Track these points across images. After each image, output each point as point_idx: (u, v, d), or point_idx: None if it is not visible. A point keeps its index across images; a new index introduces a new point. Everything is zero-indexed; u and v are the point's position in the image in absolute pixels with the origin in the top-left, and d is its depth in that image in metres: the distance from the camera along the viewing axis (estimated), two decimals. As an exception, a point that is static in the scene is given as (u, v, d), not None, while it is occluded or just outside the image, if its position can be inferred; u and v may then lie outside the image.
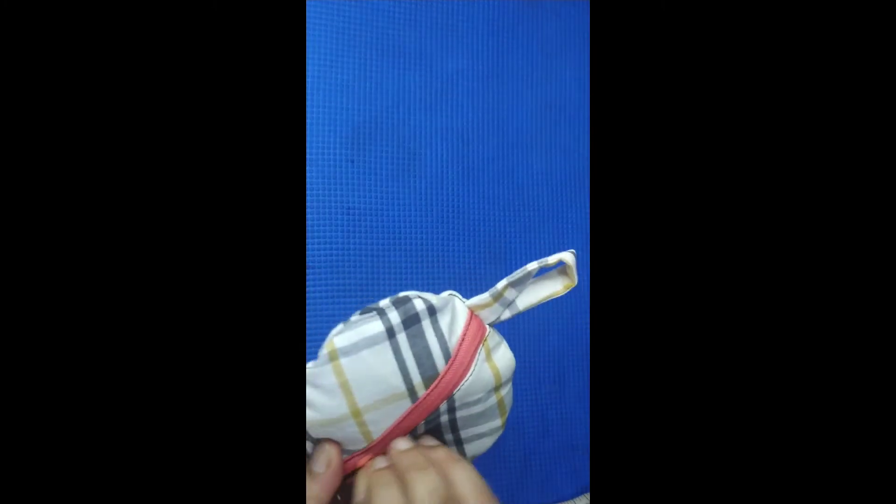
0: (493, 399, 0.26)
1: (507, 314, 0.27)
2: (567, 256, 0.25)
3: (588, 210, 0.52)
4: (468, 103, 0.49)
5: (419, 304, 0.25)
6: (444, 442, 0.27)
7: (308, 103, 0.43)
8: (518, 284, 0.25)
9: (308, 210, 0.43)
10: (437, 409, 0.25)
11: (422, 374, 0.24)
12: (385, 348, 0.24)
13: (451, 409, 0.26)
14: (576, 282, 0.26)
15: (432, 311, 0.25)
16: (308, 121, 0.43)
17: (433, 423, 0.26)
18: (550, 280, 0.27)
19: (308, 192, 0.43)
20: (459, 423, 0.27)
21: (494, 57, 0.50)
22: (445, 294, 0.27)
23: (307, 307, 0.42)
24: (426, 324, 0.25)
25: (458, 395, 0.25)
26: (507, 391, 0.27)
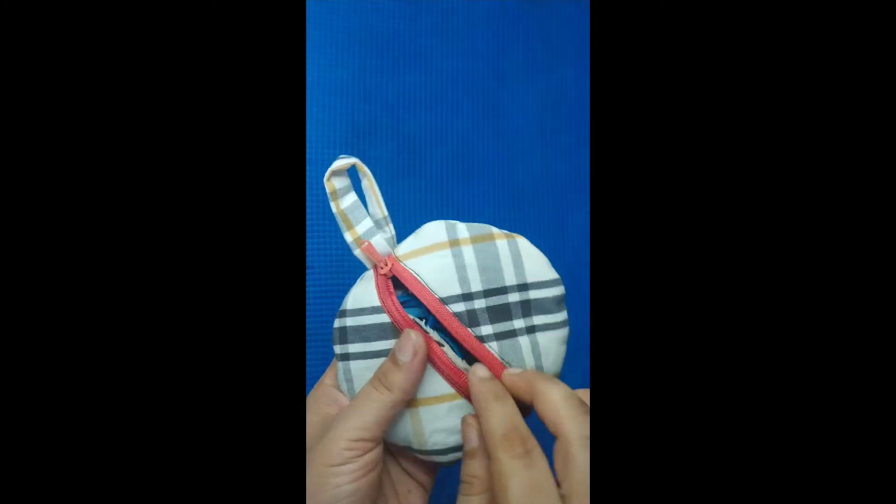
0: (561, 289, 0.26)
1: (387, 231, 0.27)
2: (333, 166, 0.25)
3: (588, 210, 0.52)
4: (468, 103, 0.49)
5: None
6: (512, 332, 0.26)
7: (308, 103, 0.43)
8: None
9: (308, 210, 0.43)
10: (505, 282, 0.25)
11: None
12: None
13: (524, 287, 0.26)
14: (359, 162, 0.26)
15: None
16: (308, 121, 0.43)
17: (499, 300, 0.26)
18: (363, 182, 0.27)
19: (308, 192, 0.43)
20: (533, 306, 0.26)
21: (494, 57, 0.50)
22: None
23: (307, 307, 0.42)
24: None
25: (528, 267, 0.25)
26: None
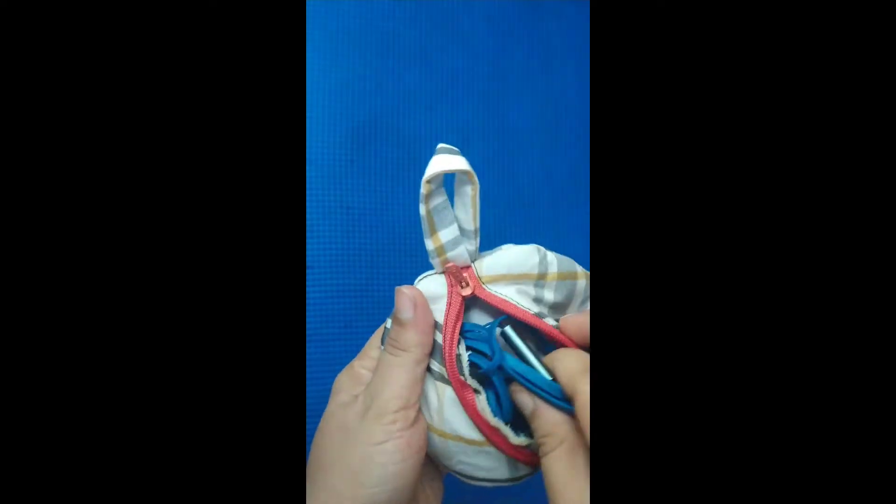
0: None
1: (471, 244, 0.25)
2: (443, 165, 0.23)
3: (588, 210, 0.52)
4: (468, 103, 0.49)
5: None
6: None
7: (308, 103, 0.43)
8: (440, 218, 0.24)
9: (308, 210, 0.43)
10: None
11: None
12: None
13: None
14: (471, 171, 0.24)
15: None
16: (308, 121, 0.43)
17: None
18: (463, 187, 0.25)
19: (308, 192, 0.43)
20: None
21: (494, 56, 0.50)
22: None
23: (307, 307, 0.42)
24: None
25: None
26: None
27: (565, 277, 0.25)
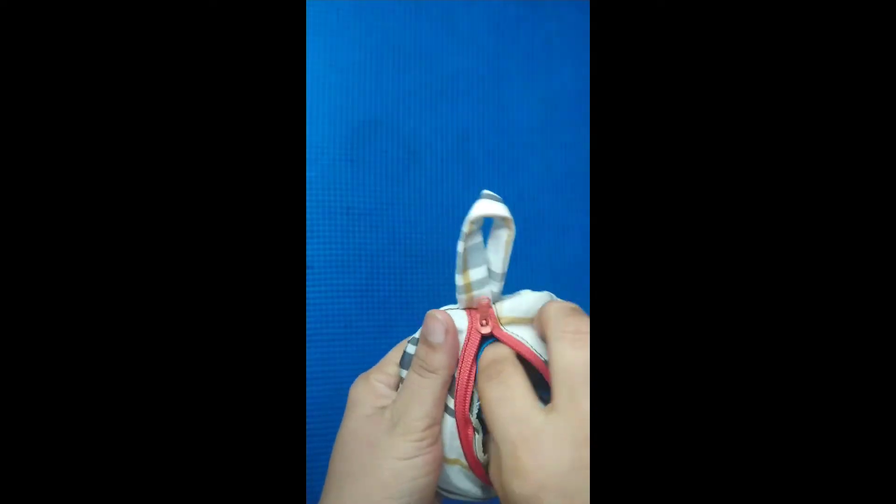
0: None
1: (496, 286, 0.26)
2: (486, 209, 0.24)
3: (588, 209, 0.52)
4: (468, 103, 0.49)
5: None
6: None
7: (308, 103, 0.43)
8: (474, 259, 0.25)
9: (308, 210, 0.43)
10: None
11: None
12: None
13: None
14: (510, 218, 0.25)
15: None
16: (308, 121, 0.43)
17: None
18: (498, 231, 0.26)
19: (308, 192, 0.43)
20: None
21: (494, 56, 0.50)
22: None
23: (307, 307, 0.42)
24: None
25: None
26: None
27: None
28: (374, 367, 0.27)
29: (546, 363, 0.24)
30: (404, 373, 0.26)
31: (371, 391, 0.26)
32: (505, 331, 0.25)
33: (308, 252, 0.42)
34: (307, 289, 0.42)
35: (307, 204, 0.43)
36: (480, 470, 0.25)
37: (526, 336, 0.25)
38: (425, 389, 0.23)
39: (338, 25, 0.45)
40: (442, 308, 0.27)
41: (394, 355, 0.27)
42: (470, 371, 0.25)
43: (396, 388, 0.26)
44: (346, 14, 0.45)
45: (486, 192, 0.25)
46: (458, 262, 0.25)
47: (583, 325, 0.20)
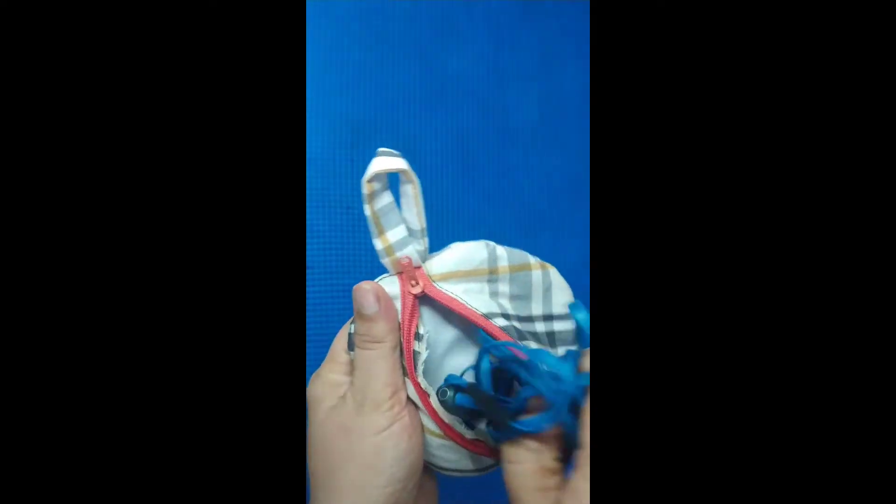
0: None
1: (419, 244, 0.25)
2: (379, 166, 0.23)
3: (588, 210, 0.52)
4: (468, 103, 0.49)
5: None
6: (531, 336, 0.25)
7: (308, 103, 0.43)
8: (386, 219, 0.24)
9: (308, 210, 0.43)
10: (532, 311, 0.25)
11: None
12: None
13: (549, 318, 0.25)
14: (408, 169, 0.24)
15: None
16: (308, 120, 0.43)
17: (526, 328, 0.25)
18: (405, 187, 0.25)
19: (308, 192, 0.43)
20: (557, 337, 0.25)
21: (494, 56, 0.50)
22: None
23: (307, 307, 0.42)
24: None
25: (556, 299, 0.25)
26: None
27: (517, 269, 0.25)
28: (324, 362, 0.27)
29: (486, 316, 0.24)
30: (351, 354, 0.25)
31: (327, 384, 0.26)
32: (437, 288, 0.24)
33: (308, 252, 0.42)
34: (307, 289, 0.42)
35: (307, 204, 0.43)
36: (456, 435, 0.24)
37: (460, 290, 0.24)
38: (377, 361, 0.23)
39: (338, 25, 0.45)
40: (378, 277, 0.26)
41: (339, 344, 0.27)
42: (409, 331, 0.24)
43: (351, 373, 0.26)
44: (346, 14, 0.45)
45: (381, 149, 0.24)
46: (371, 226, 0.24)
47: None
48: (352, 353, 0.25)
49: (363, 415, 0.23)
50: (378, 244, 0.24)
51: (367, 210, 0.24)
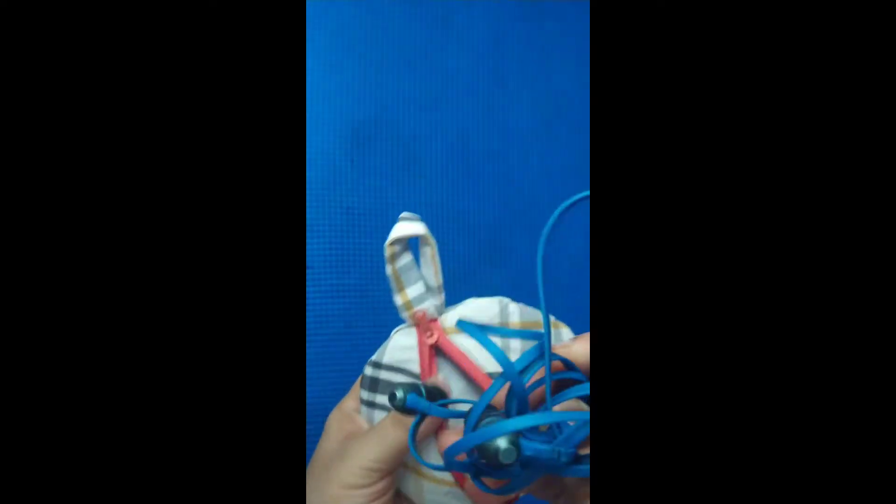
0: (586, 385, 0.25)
1: (437, 299, 0.26)
2: (399, 232, 0.25)
3: (588, 210, 0.52)
4: (468, 103, 0.49)
5: None
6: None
7: (308, 103, 0.43)
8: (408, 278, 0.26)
9: (308, 210, 0.43)
10: None
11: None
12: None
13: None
14: (426, 234, 0.25)
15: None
16: (308, 121, 0.43)
17: None
18: (423, 248, 0.26)
19: (308, 192, 0.43)
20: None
21: (494, 56, 0.50)
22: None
23: (307, 307, 0.42)
24: None
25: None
26: None
27: (528, 326, 0.26)
28: (347, 394, 0.28)
29: (490, 375, 0.25)
30: (364, 393, 0.26)
31: (342, 418, 0.27)
32: (450, 341, 0.25)
33: (308, 252, 0.42)
34: (307, 289, 0.42)
35: (307, 204, 0.43)
36: (462, 479, 0.24)
37: (472, 344, 0.25)
38: (390, 440, 0.24)
39: (338, 25, 0.45)
40: (397, 328, 0.27)
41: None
42: (430, 372, 0.25)
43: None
44: (346, 14, 0.45)
45: (404, 214, 0.26)
46: (392, 283, 0.26)
47: None
48: (363, 391, 0.26)
49: (342, 463, 0.24)
50: (398, 300, 0.26)
51: (389, 269, 0.25)
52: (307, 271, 0.42)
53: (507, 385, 0.21)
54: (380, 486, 0.23)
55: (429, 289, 0.26)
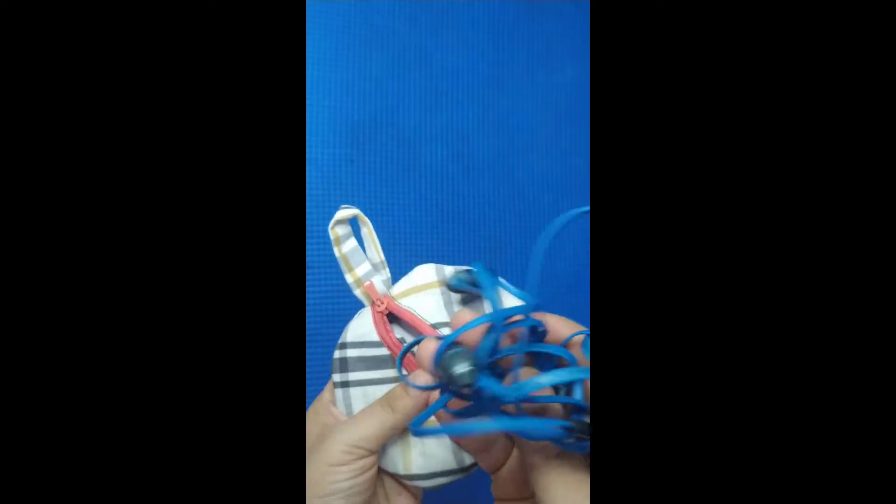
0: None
1: (383, 274, 0.30)
2: (336, 216, 0.28)
3: (588, 210, 0.52)
4: (468, 103, 0.49)
5: None
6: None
7: (308, 103, 0.43)
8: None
9: (308, 210, 0.43)
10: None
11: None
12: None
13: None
14: (359, 213, 0.29)
15: None
16: (308, 121, 0.43)
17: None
18: (362, 229, 0.30)
19: (308, 192, 0.43)
20: None
21: (494, 56, 0.50)
22: None
23: (307, 307, 0.42)
24: None
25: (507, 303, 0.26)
26: None
27: (461, 272, 0.29)
28: (326, 387, 0.30)
29: (434, 327, 0.28)
30: (337, 376, 0.29)
31: (316, 410, 0.29)
32: (397, 304, 0.29)
33: (308, 252, 0.42)
34: (307, 289, 0.42)
35: (307, 204, 0.43)
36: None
37: (418, 303, 0.28)
38: (376, 420, 0.25)
39: (338, 25, 0.45)
40: (358, 312, 0.30)
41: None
42: (387, 334, 0.28)
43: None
44: (346, 14, 0.45)
45: (343, 206, 0.29)
46: (341, 265, 0.29)
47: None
48: (334, 375, 0.28)
49: (327, 442, 0.24)
50: (348, 278, 0.29)
51: (336, 252, 0.29)
52: (307, 271, 0.42)
53: (487, 324, 0.21)
54: (363, 462, 0.25)
55: (374, 266, 0.30)
